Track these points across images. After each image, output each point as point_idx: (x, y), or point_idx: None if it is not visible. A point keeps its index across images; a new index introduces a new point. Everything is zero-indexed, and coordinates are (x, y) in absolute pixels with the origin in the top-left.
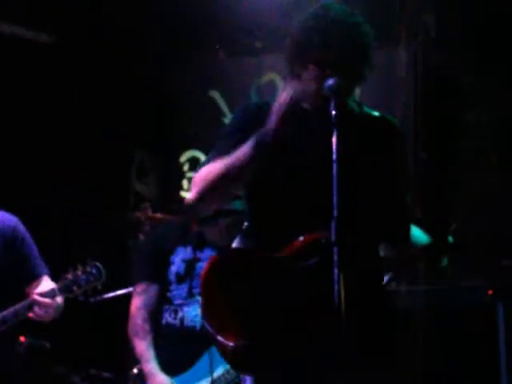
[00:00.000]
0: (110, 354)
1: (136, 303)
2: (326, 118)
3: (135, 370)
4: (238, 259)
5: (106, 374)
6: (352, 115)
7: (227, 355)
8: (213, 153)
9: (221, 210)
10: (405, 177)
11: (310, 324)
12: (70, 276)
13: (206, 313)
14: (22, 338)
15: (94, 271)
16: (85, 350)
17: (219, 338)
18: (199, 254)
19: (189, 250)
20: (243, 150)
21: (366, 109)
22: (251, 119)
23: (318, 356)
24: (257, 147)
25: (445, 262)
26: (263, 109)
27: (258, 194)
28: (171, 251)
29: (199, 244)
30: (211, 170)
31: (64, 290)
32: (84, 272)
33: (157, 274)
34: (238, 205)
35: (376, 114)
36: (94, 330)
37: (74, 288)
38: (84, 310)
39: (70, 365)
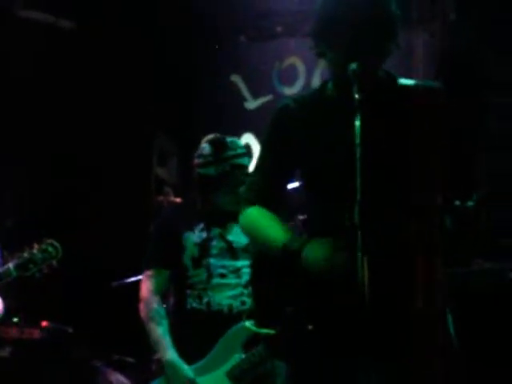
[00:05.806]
0: (132, 339)
1: (148, 287)
2: (351, 102)
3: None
4: None
5: (128, 359)
6: (380, 95)
7: None
8: (255, 168)
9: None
10: (459, 137)
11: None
12: (26, 254)
13: None
14: (44, 323)
15: (49, 249)
16: (107, 335)
17: None
18: (209, 234)
19: (197, 232)
20: (270, 246)
21: (402, 80)
22: (285, 126)
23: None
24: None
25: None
26: (294, 108)
27: (310, 189)
28: (180, 234)
29: (208, 224)
30: (250, 227)
31: (20, 267)
32: (40, 250)
33: (167, 259)
34: (246, 161)
35: (411, 82)
36: (117, 315)
37: (30, 266)
38: (106, 294)
39: (93, 350)
